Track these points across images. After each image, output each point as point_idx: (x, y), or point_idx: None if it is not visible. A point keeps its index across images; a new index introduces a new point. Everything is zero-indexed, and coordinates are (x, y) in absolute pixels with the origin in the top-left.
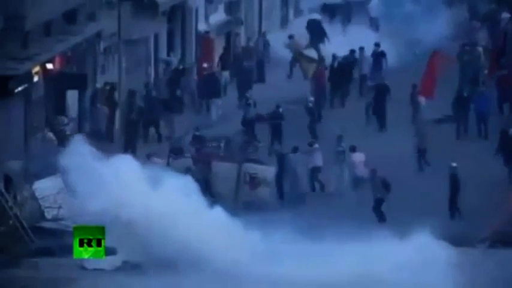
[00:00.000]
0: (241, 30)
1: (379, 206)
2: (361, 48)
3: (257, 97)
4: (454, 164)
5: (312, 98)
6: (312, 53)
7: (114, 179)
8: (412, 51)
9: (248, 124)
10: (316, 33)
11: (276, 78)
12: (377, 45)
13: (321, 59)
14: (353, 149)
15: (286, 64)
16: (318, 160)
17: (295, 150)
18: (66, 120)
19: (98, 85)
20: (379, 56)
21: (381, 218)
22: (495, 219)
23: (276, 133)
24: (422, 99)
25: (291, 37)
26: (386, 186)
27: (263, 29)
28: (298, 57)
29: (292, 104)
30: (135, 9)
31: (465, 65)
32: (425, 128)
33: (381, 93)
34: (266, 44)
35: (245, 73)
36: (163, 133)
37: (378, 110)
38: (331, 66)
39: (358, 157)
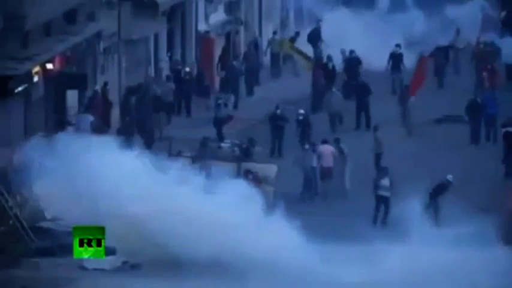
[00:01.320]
0: (241, 30)
1: (386, 204)
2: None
3: (255, 98)
4: (450, 178)
5: (302, 111)
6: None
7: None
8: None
9: (218, 124)
10: (317, 40)
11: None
12: (398, 46)
13: (319, 60)
14: (324, 142)
15: (285, 65)
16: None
17: (309, 147)
18: (73, 121)
19: (97, 86)
20: (398, 57)
21: (385, 217)
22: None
23: (276, 134)
24: (412, 100)
25: (275, 33)
26: (391, 185)
27: (271, 30)
28: (292, 51)
29: (289, 104)
30: (135, 9)
31: (438, 64)
32: (380, 134)
33: (362, 93)
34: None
35: (235, 74)
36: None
37: (360, 109)
38: (325, 66)
39: (327, 149)
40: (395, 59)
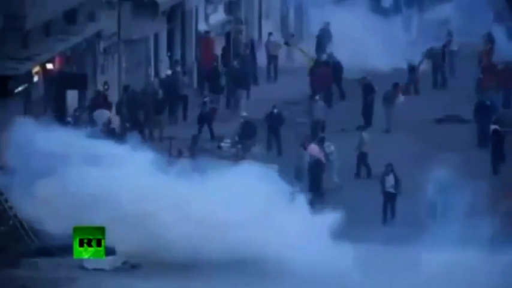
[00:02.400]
0: (243, 30)
1: (392, 202)
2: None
3: (254, 98)
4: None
5: (245, 113)
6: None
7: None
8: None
9: (202, 120)
10: (325, 39)
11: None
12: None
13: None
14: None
15: (284, 65)
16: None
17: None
18: (69, 119)
19: (100, 87)
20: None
21: (392, 214)
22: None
23: (272, 133)
24: (401, 97)
25: (270, 34)
26: (396, 182)
27: (271, 29)
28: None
29: (289, 104)
30: (135, 9)
31: (435, 64)
32: (366, 134)
33: (366, 93)
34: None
35: (233, 73)
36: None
37: (364, 109)
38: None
39: (314, 148)
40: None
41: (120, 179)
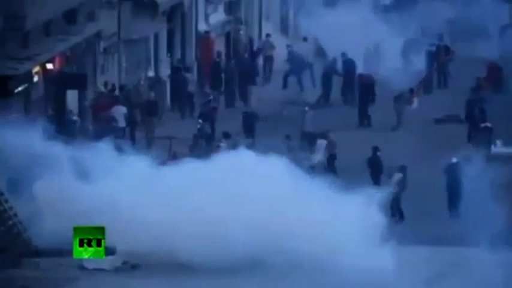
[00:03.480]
0: (242, 30)
1: (397, 202)
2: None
3: (254, 97)
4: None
5: (200, 120)
6: None
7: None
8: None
9: (203, 119)
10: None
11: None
12: (433, 45)
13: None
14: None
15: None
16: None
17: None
18: (75, 118)
19: (102, 87)
20: (433, 55)
21: (399, 215)
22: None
23: (247, 129)
24: (415, 102)
25: (268, 36)
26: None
27: (271, 30)
28: None
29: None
30: (135, 9)
31: (439, 64)
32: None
33: (365, 90)
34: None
35: (232, 73)
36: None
37: (361, 106)
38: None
39: (323, 144)
40: (430, 56)
41: (119, 180)
